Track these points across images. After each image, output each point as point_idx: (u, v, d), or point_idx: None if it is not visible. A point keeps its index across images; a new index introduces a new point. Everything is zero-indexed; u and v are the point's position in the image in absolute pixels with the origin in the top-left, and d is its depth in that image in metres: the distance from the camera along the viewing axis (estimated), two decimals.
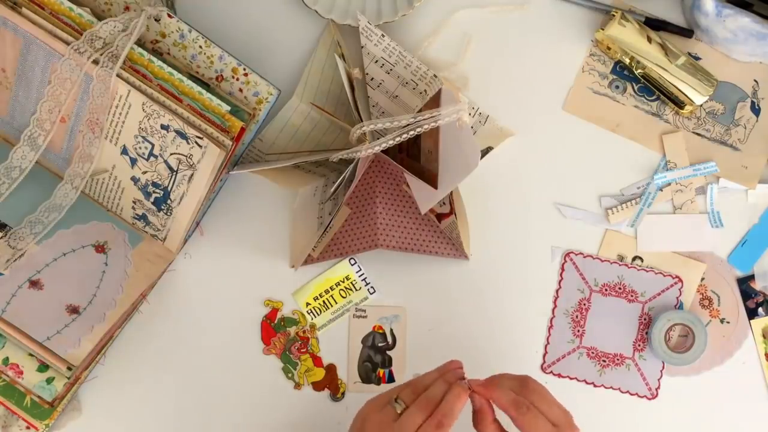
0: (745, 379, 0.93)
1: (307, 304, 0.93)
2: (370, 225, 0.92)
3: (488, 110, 0.94)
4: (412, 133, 0.80)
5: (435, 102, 0.79)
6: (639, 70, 0.92)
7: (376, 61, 0.92)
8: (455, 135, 0.78)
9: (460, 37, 0.95)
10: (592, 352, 0.93)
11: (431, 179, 0.82)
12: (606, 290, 0.93)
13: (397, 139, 0.80)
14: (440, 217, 0.90)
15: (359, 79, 0.89)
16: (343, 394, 0.93)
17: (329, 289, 0.92)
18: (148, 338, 0.92)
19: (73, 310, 0.84)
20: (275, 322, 0.92)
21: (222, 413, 0.92)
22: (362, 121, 0.83)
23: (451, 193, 0.85)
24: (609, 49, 0.93)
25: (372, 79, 0.92)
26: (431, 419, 0.70)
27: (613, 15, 0.92)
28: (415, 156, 0.85)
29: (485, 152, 0.93)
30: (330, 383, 0.92)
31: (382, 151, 0.81)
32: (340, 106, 0.92)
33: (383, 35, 0.91)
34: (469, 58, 0.95)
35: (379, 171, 0.92)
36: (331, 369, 0.92)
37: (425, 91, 0.92)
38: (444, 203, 0.88)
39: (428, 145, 0.82)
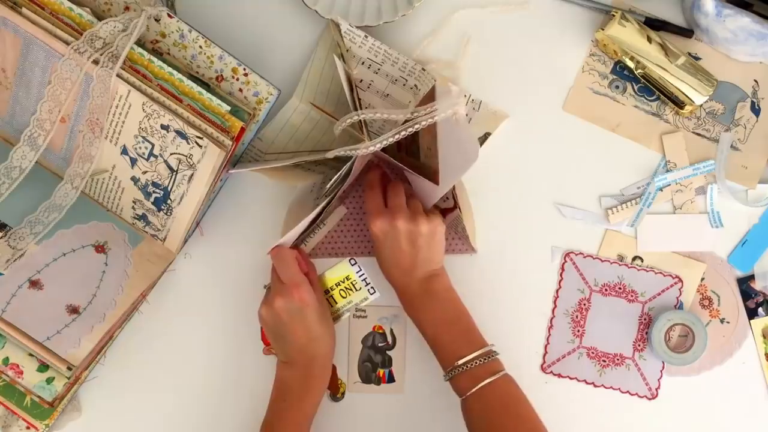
0: (745, 379, 0.93)
1: None
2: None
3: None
4: (410, 130, 0.80)
5: (430, 98, 0.80)
6: (639, 70, 0.92)
7: (363, 63, 0.91)
8: (453, 129, 0.78)
9: (460, 37, 0.95)
10: (592, 352, 0.93)
11: (432, 175, 0.82)
12: (606, 290, 0.93)
13: (396, 136, 0.80)
14: (444, 212, 0.90)
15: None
16: (343, 394, 0.93)
17: (329, 290, 0.92)
18: (148, 338, 0.92)
19: (73, 310, 0.84)
20: None
21: (222, 413, 0.92)
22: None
23: (454, 187, 0.85)
24: (609, 49, 0.93)
25: (361, 81, 0.92)
26: None
27: (613, 15, 0.92)
28: (415, 153, 0.85)
29: (483, 139, 0.93)
30: (330, 383, 0.92)
31: (382, 150, 0.81)
32: (340, 106, 0.92)
33: (366, 36, 0.90)
34: (468, 58, 0.95)
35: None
36: (331, 369, 0.92)
37: (415, 85, 0.91)
38: (447, 198, 0.88)
39: (427, 142, 0.82)
